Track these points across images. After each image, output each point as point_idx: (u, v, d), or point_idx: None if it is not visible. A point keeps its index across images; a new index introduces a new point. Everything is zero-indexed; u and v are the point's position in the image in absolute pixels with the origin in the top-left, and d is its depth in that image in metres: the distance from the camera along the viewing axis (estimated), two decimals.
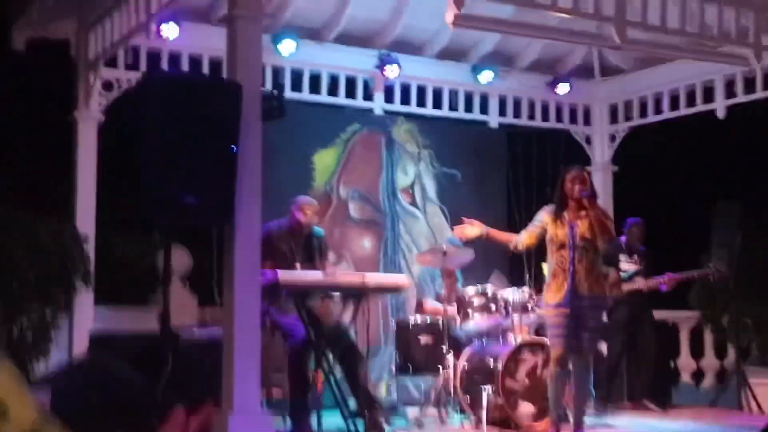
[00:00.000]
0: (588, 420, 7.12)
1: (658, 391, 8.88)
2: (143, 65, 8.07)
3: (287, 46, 8.44)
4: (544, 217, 6.59)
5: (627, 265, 8.74)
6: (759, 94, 8.86)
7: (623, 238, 8.86)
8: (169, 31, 7.72)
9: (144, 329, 6.72)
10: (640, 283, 8.66)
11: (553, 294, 6.48)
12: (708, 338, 10.53)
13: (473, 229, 7.04)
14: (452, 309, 7.68)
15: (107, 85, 8.22)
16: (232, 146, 5.37)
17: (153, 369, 5.47)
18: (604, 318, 7.21)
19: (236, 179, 5.39)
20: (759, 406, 8.87)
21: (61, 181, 8.13)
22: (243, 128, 5.41)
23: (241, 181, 5.41)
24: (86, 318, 7.63)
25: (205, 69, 8.17)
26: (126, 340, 6.50)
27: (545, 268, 6.71)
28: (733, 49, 7.79)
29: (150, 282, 8.27)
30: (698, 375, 10.70)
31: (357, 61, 9.12)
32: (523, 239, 6.74)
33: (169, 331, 5.89)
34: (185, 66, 8.18)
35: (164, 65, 8.13)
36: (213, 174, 5.30)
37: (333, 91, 9.16)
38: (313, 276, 6.73)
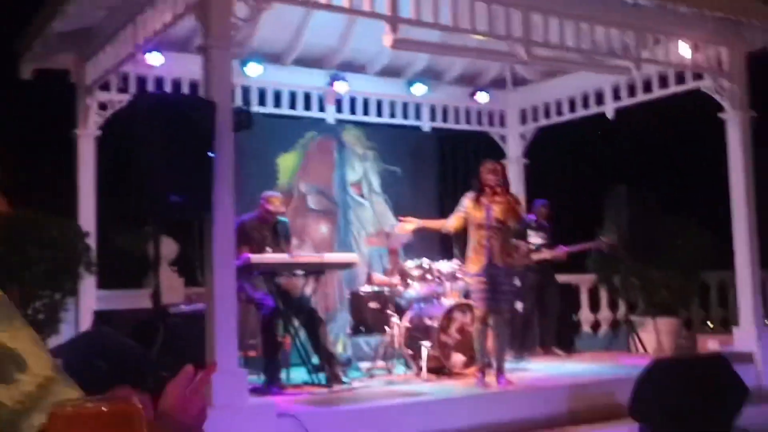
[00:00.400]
0: (508, 365, 7.27)
1: (564, 339, 9.04)
2: (132, 88, 8.01)
3: (254, 69, 8.42)
4: (466, 202, 6.70)
5: (535, 239, 8.86)
6: (640, 97, 9.01)
7: (532, 216, 8.99)
8: (154, 59, 7.67)
9: (139, 307, 6.70)
10: (545, 254, 8.79)
11: (474, 265, 6.62)
12: (603, 295, 10.76)
13: (410, 224, 7.18)
14: (395, 280, 7.75)
15: (102, 106, 8.15)
16: (209, 153, 5.38)
17: (148, 339, 5.49)
18: (517, 283, 7.35)
19: (213, 180, 5.39)
20: (644, 348, 9.09)
21: (66, 187, 8.06)
22: (218, 138, 5.41)
23: (218, 181, 5.42)
24: (90, 300, 7.58)
25: (185, 90, 8.12)
26: (124, 316, 6.48)
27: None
28: (618, 61, 7.94)
29: (143, 268, 8.24)
30: (596, 325, 10.93)
31: (312, 80, 9.12)
32: (451, 223, 6.86)
33: (160, 307, 5.89)
34: (168, 88, 8.12)
35: (151, 88, 8.06)
36: (194, 176, 5.30)
37: (292, 104, 9.15)
38: (281, 257, 6.77)
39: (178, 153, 5.17)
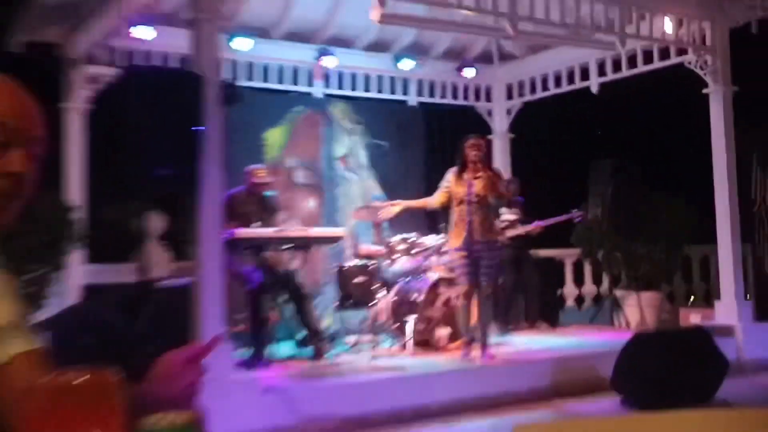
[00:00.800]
0: (493, 339, 7.30)
1: (548, 314, 9.08)
2: (121, 62, 7.90)
3: (242, 43, 8.32)
4: (449, 177, 6.68)
5: (508, 215, 8.81)
6: (624, 72, 8.99)
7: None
8: (143, 32, 7.55)
9: (126, 281, 6.67)
10: (519, 230, 8.75)
11: (455, 240, 6.62)
12: (587, 270, 10.79)
13: (395, 207, 7.17)
14: (382, 251, 7.73)
15: (90, 80, 8.05)
16: (198, 127, 5.33)
17: (134, 312, 5.46)
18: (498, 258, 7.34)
19: (201, 154, 5.34)
20: (627, 322, 9.14)
21: (54, 161, 7.97)
22: (206, 112, 5.36)
23: (206, 155, 5.37)
24: (78, 274, 7.54)
25: (174, 64, 8.02)
26: (112, 289, 6.45)
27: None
28: (603, 36, 7.89)
29: (131, 242, 8.18)
30: (580, 300, 10.97)
31: (300, 54, 9.03)
32: (435, 200, 6.83)
33: (147, 281, 5.86)
34: (157, 62, 8.02)
35: (139, 62, 7.96)
36: (182, 150, 5.26)
37: (280, 79, 9.08)
38: (267, 231, 6.74)
39: (166, 127, 5.12)
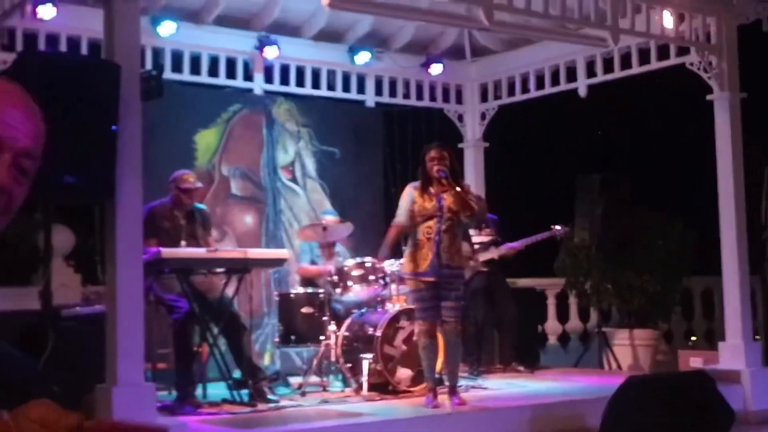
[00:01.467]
0: (462, 382, 7.31)
1: (526, 354, 9.12)
2: (20, 46, 7.79)
3: (166, 28, 8.28)
4: (411, 192, 6.66)
5: (478, 237, 8.84)
6: (617, 73, 9.10)
7: None
8: (46, 11, 7.46)
9: (27, 308, 6.55)
10: (492, 253, 8.79)
11: (417, 263, 6.58)
12: (572, 303, 10.89)
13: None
14: (327, 269, 7.70)
15: None
16: (112, 126, 5.28)
17: (34, 346, 5.37)
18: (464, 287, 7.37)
19: (117, 158, 5.29)
20: (618, 364, 9.23)
21: None
22: (122, 108, 5.31)
23: (122, 160, 5.32)
24: None
25: (84, 50, 7.93)
26: (7, 318, 6.33)
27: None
28: (593, 31, 8.02)
29: (32, 262, 8.06)
30: (564, 338, 11.06)
31: (237, 43, 9.01)
32: (404, 221, 6.75)
33: (51, 309, 5.78)
34: (63, 47, 7.93)
35: (42, 46, 7.86)
36: (93, 153, 5.19)
37: (213, 71, 9.03)
38: (197, 252, 6.69)
39: (73, 125, 5.05)
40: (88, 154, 5.15)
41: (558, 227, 8.96)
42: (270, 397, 6.76)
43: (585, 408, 6.71)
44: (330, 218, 8.16)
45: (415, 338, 7.29)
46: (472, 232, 8.73)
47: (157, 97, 5.95)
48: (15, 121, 1.41)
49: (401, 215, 6.74)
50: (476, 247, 8.72)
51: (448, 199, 6.58)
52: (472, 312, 8.55)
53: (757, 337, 9.00)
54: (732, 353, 7.97)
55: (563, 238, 9.22)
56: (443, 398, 6.66)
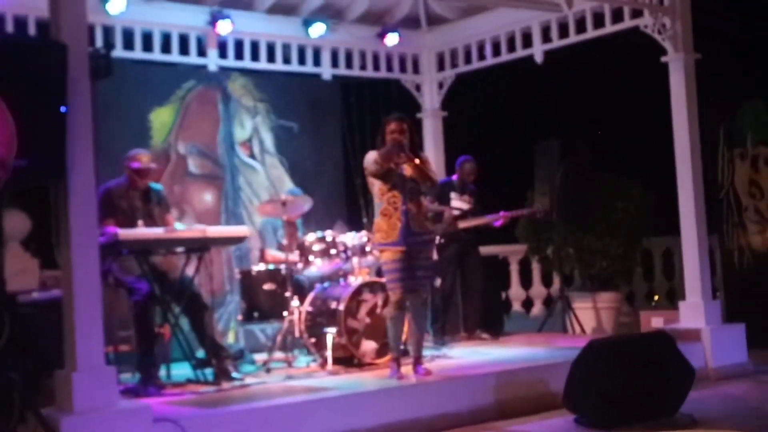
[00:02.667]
0: (426, 352, 7.32)
1: (491, 321, 9.17)
2: None
3: (115, 5, 8.12)
4: (373, 160, 6.62)
5: (459, 203, 8.89)
6: (572, 38, 9.10)
7: (455, 177, 9.02)
8: None
9: None
10: (475, 221, 8.82)
11: (387, 233, 6.56)
12: (535, 269, 10.95)
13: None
14: (294, 256, 7.67)
15: None
16: (61, 107, 5.17)
17: None
18: (435, 255, 7.38)
19: (67, 139, 5.19)
20: (582, 328, 9.31)
21: None
22: (71, 88, 5.20)
23: (73, 141, 5.22)
24: None
25: (32, 30, 7.78)
26: None
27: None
28: None
29: None
30: (528, 304, 11.13)
31: (189, 18, 8.88)
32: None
33: (6, 295, 5.69)
34: (10, 27, 7.76)
35: None
36: (42, 135, 5.09)
37: (166, 48, 8.90)
38: (155, 232, 6.62)
39: (21, 107, 4.94)
40: (37, 137, 5.05)
41: (538, 206, 9.08)
42: (234, 375, 6.73)
43: (549, 373, 6.75)
44: (291, 196, 8.07)
45: (379, 311, 7.30)
46: (453, 196, 8.76)
47: (107, 76, 5.83)
48: None
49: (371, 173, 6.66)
50: (456, 213, 8.74)
51: (407, 170, 6.57)
52: (442, 279, 8.60)
53: (717, 295, 9.11)
54: (692, 312, 8.07)
55: (541, 217, 9.30)
56: (408, 369, 6.67)
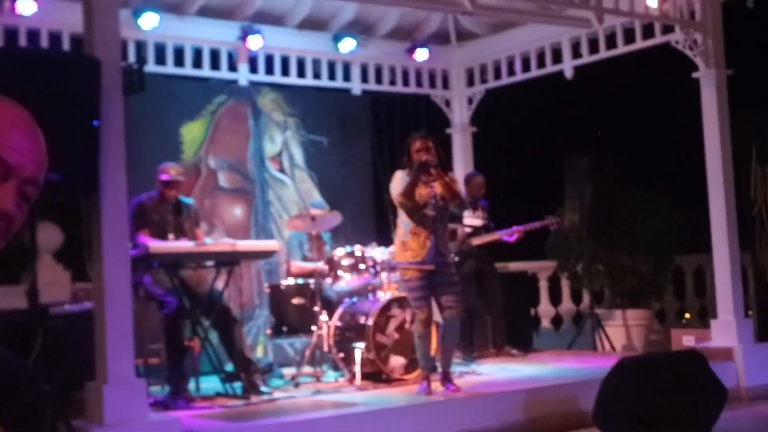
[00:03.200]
0: (455, 368, 7.29)
1: (519, 337, 9.12)
2: (0, 42, 7.72)
3: (149, 20, 8.21)
4: (405, 177, 6.61)
5: (472, 220, 8.81)
6: (602, 54, 9.08)
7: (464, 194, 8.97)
8: (25, 7, 7.40)
9: (14, 307, 6.51)
10: (488, 237, 8.76)
11: (416, 252, 6.53)
12: (564, 285, 10.89)
13: None
14: (320, 267, 7.67)
15: None
16: (94, 121, 5.22)
17: (22, 346, 5.33)
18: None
19: (99, 154, 5.24)
20: (612, 345, 9.24)
21: None
22: (104, 103, 5.26)
23: (105, 155, 5.27)
24: None
25: (66, 45, 7.87)
26: None
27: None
28: (577, 12, 7.99)
29: (21, 260, 8.00)
30: (557, 320, 11.07)
31: (220, 34, 8.95)
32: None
33: (38, 307, 5.73)
34: (45, 43, 7.86)
35: (22, 42, 7.78)
36: (75, 150, 5.14)
37: (198, 63, 8.97)
38: (185, 246, 6.65)
39: (54, 122, 4.97)
40: (70, 151, 5.09)
41: (551, 218, 8.96)
42: (263, 389, 6.74)
43: (578, 390, 6.70)
44: (318, 210, 8.09)
45: (407, 326, 7.28)
46: (466, 214, 8.72)
47: (139, 90, 5.89)
48: (22, 148, 1.43)
49: (397, 188, 6.65)
50: (468, 230, 8.71)
51: (437, 188, 6.56)
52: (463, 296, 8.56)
53: (749, 313, 9.01)
54: (724, 330, 7.98)
55: (555, 228, 9.22)
56: (436, 385, 6.64)
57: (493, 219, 8.93)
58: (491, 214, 8.97)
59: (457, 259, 8.43)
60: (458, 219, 8.66)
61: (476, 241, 8.71)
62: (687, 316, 10.73)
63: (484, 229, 8.82)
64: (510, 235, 8.77)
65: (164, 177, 7.03)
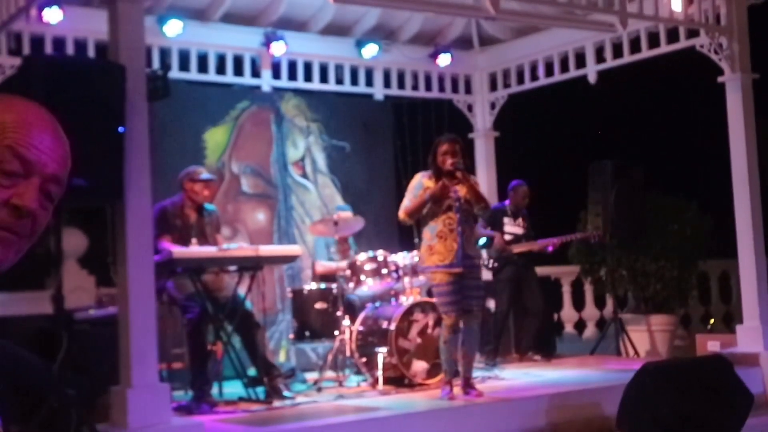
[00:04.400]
0: (477, 373, 7.29)
1: (543, 342, 9.09)
2: (27, 50, 7.81)
3: (173, 27, 8.28)
4: (424, 182, 6.63)
5: (512, 228, 8.85)
6: (626, 58, 9.06)
7: (507, 202, 9.00)
8: (52, 15, 7.48)
9: (40, 312, 6.57)
10: (526, 246, 8.78)
11: (443, 255, 6.51)
12: (588, 290, 10.85)
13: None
14: (343, 264, 7.69)
15: None
16: (119, 127, 5.28)
17: (48, 350, 5.38)
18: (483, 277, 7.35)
19: (124, 159, 5.29)
20: (636, 350, 9.19)
21: None
22: (129, 109, 5.31)
23: (130, 160, 5.32)
24: None
25: (91, 52, 7.95)
26: (21, 323, 6.35)
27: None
28: (601, 16, 7.97)
29: (46, 266, 8.07)
30: (580, 325, 11.03)
31: (243, 40, 9.01)
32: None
33: (63, 312, 5.79)
34: (70, 50, 7.94)
35: (48, 50, 7.87)
36: (100, 155, 5.19)
37: (221, 69, 9.04)
38: (208, 251, 6.69)
39: (80, 127, 5.01)
40: (95, 157, 5.14)
41: (593, 230, 9.02)
42: (286, 393, 6.76)
43: (602, 396, 6.68)
44: (342, 213, 8.13)
45: (430, 331, 7.28)
46: (506, 221, 8.76)
47: (164, 97, 5.95)
48: (44, 146, 1.42)
49: (406, 203, 6.68)
50: (509, 237, 8.74)
51: (461, 191, 6.55)
52: (497, 301, 8.61)
53: None
54: (750, 336, 7.93)
55: (596, 241, 9.24)
56: (459, 389, 6.64)
57: (531, 228, 8.97)
58: (531, 224, 9.00)
59: (496, 264, 8.55)
60: (498, 225, 8.69)
61: (517, 249, 8.74)
62: (712, 321, 10.65)
63: (524, 237, 8.84)
64: (550, 245, 8.82)
65: (204, 176, 7.08)
